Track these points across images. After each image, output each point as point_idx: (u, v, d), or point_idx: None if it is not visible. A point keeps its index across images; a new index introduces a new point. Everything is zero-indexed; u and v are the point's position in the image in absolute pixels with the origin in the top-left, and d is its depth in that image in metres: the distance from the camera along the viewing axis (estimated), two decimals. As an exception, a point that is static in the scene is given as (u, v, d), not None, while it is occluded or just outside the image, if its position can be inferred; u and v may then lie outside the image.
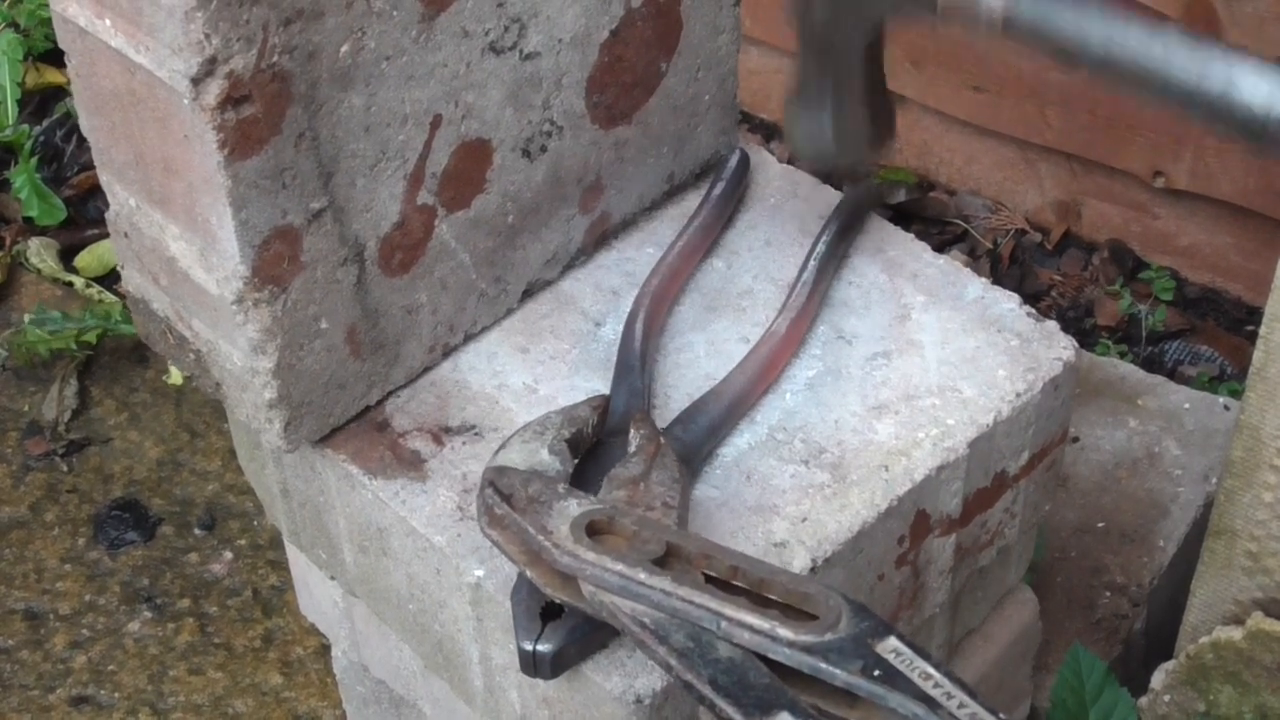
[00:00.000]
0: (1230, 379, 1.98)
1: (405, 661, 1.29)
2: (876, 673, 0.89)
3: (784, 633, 0.91)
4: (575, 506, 0.99)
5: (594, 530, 0.97)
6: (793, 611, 0.93)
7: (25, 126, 2.32)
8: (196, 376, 1.14)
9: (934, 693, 0.88)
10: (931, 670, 0.89)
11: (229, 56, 0.93)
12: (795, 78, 1.16)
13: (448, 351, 1.18)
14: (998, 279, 1.25)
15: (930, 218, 2.18)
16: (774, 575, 0.95)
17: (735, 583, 0.95)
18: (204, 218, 1.01)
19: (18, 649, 1.78)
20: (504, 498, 0.99)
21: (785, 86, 1.18)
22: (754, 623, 0.91)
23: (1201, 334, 2.03)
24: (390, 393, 1.16)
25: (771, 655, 0.91)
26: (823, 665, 0.90)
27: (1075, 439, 1.68)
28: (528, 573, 0.99)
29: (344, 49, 0.99)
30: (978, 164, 2.17)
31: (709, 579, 0.95)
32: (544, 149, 1.16)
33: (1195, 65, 0.94)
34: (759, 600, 0.94)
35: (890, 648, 0.90)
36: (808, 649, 0.90)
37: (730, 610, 0.92)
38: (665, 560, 0.96)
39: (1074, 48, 0.98)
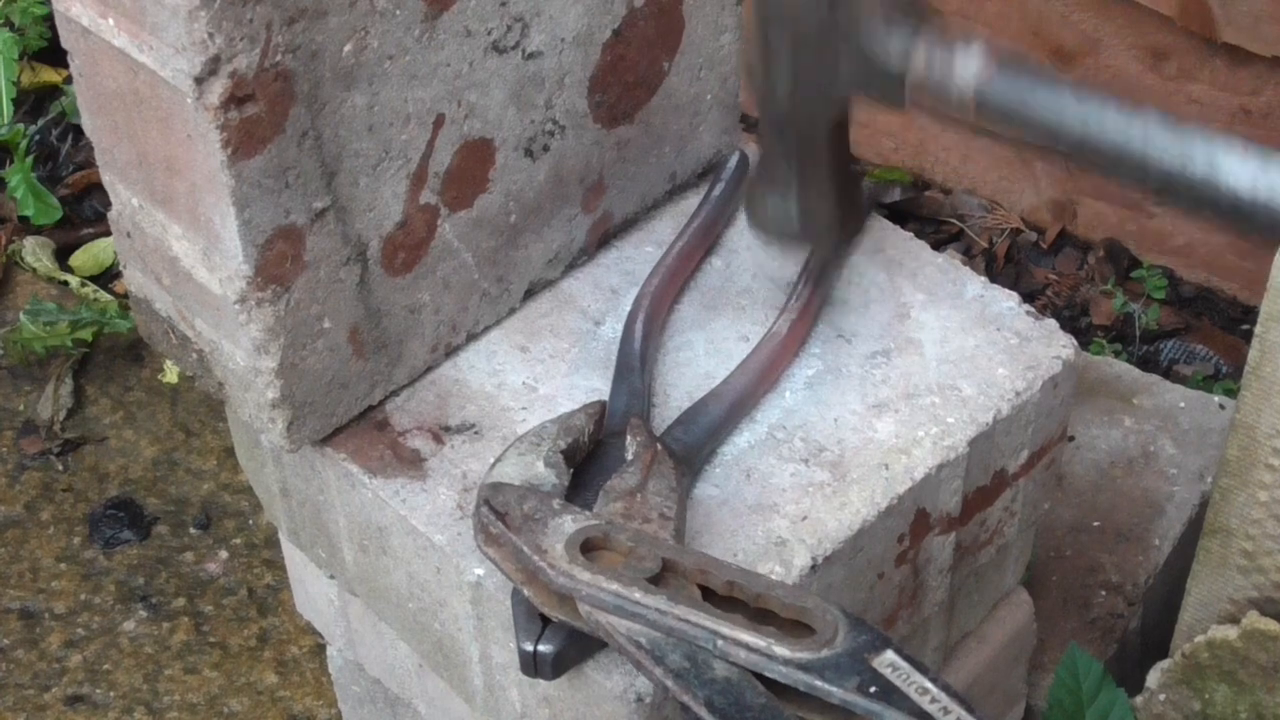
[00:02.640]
0: (1225, 378, 1.98)
1: (401, 660, 1.29)
2: (873, 689, 0.89)
3: (780, 651, 0.91)
4: (570, 523, 0.98)
5: (590, 547, 0.97)
6: (790, 625, 0.93)
7: (20, 125, 2.32)
8: (199, 376, 1.14)
9: (931, 708, 0.88)
10: (929, 685, 0.89)
11: (232, 56, 0.93)
12: (758, 157, 1.13)
13: (450, 351, 1.18)
14: (993, 278, 1.25)
15: (926, 217, 2.18)
16: (771, 589, 0.95)
17: (733, 597, 0.95)
18: (207, 217, 1.01)
19: (13, 648, 1.78)
20: (499, 516, 0.99)
21: (749, 172, 1.15)
22: (750, 641, 0.91)
23: (1197, 333, 2.04)
24: (391, 392, 1.16)
25: (768, 674, 0.91)
26: (819, 683, 0.90)
27: (1071, 438, 1.68)
28: (525, 591, 0.99)
29: (347, 48, 0.99)
30: (973, 163, 2.17)
31: (706, 593, 0.95)
32: (546, 148, 1.16)
33: (1176, 149, 0.91)
34: (756, 614, 0.94)
35: (887, 662, 0.90)
36: (804, 666, 0.90)
37: (726, 629, 0.92)
38: (661, 576, 0.96)
39: (1050, 131, 0.95)
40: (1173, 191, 0.92)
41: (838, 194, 1.13)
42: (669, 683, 0.92)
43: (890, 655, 0.91)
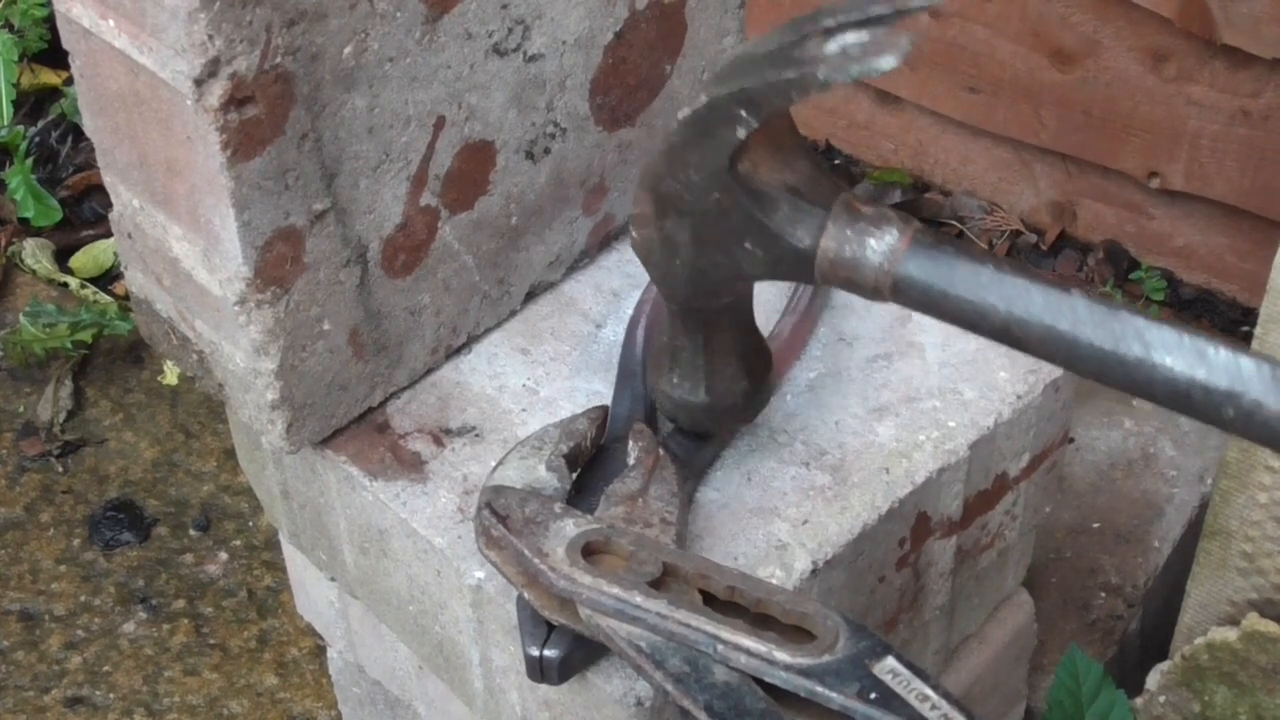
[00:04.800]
0: (1225, 380, 1.97)
1: (401, 662, 1.29)
2: (873, 695, 0.89)
3: (781, 655, 0.91)
4: (572, 527, 0.98)
5: (591, 551, 0.97)
6: (791, 630, 0.93)
7: (20, 127, 2.31)
8: (199, 377, 1.14)
9: (930, 715, 0.88)
10: (929, 691, 0.89)
11: (232, 58, 0.93)
12: (662, 343, 1.08)
13: (450, 353, 1.18)
14: (993, 280, 1.25)
15: (926, 218, 2.18)
16: (772, 595, 0.94)
17: (733, 601, 0.95)
18: (207, 219, 1.01)
19: (13, 650, 1.78)
20: (500, 519, 0.99)
21: (654, 346, 1.10)
22: (751, 645, 0.91)
23: (1196, 335, 2.03)
24: (392, 394, 1.16)
25: (768, 678, 0.91)
26: (819, 689, 0.90)
27: (1071, 440, 1.68)
28: (525, 594, 0.99)
29: (347, 50, 0.99)
30: (973, 164, 2.17)
31: (707, 598, 0.95)
32: (547, 151, 1.16)
33: (1107, 332, 0.85)
34: (757, 619, 0.94)
35: (888, 668, 0.90)
36: (804, 672, 0.90)
37: (727, 633, 0.92)
38: (662, 581, 0.96)
39: (972, 314, 0.88)
40: (1107, 375, 0.86)
41: (748, 374, 1.07)
42: (669, 687, 0.92)
43: (890, 662, 0.90)
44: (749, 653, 0.91)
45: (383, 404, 1.16)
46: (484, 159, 1.12)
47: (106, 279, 2.17)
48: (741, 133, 0.89)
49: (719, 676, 0.91)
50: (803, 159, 0.94)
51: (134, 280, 1.14)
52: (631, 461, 1.06)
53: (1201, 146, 1.93)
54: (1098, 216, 2.10)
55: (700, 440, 1.11)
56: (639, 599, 0.94)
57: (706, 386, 1.06)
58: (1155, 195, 2.03)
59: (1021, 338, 0.87)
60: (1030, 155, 2.11)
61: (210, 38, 0.92)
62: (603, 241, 1.26)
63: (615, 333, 1.20)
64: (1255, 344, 1.27)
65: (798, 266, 0.93)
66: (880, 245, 0.90)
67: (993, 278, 0.87)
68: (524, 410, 1.16)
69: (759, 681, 0.91)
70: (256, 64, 0.94)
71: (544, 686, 1.03)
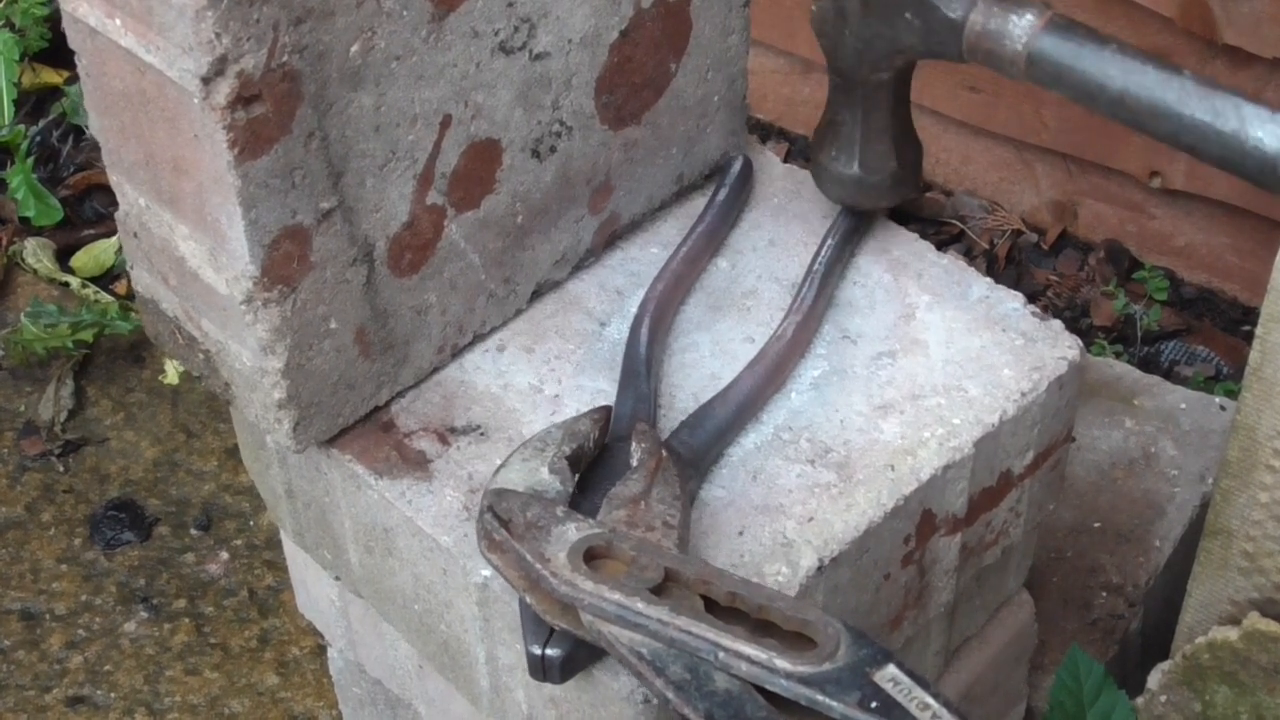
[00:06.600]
0: (1226, 379, 1.98)
1: (401, 661, 1.29)
2: (874, 704, 0.89)
3: (782, 664, 0.91)
4: (574, 532, 0.98)
5: (592, 556, 0.97)
6: (792, 637, 0.93)
7: (21, 127, 2.31)
8: (205, 377, 1.14)
9: None
10: (930, 700, 0.89)
11: (239, 56, 0.93)
12: (825, 117, 1.20)
13: (456, 352, 1.18)
14: (994, 279, 1.25)
15: (926, 218, 2.18)
16: (773, 601, 0.94)
17: (735, 608, 0.95)
18: (213, 217, 1.01)
19: (14, 649, 1.78)
20: (503, 523, 0.99)
21: (817, 131, 1.22)
22: (752, 653, 0.91)
23: (1198, 334, 2.04)
24: (398, 393, 1.16)
25: (769, 687, 0.91)
26: (820, 697, 0.90)
27: (1071, 439, 1.68)
28: (527, 598, 0.99)
29: (354, 49, 0.99)
30: (974, 164, 2.17)
31: (708, 604, 0.95)
32: (553, 149, 1.16)
33: (1208, 108, 0.98)
34: (758, 626, 0.94)
35: (889, 676, 0.90)
36: (805, 680, 0.90)
37: (728, 641, 0.92)
38: (664, 586, 0.96)
39: (1093, 89, 1.02)
40: (1203, 148, 0.99)
41: (898, 155, 1.21)
42: (670, 694, 0.91)
43: (892, 670, 0.90)
44: (750, 660, 0.91)
45: (388, 403, 1.16)
46: (490, 158, 1.12)
47: (107, 278, 2.17)
48: None
49: (720, 684, 0.91)
50: None
51: (140, 279, 1.14)
52: (634, 463, 1.06)
53: (1202, 146, 1.93)
54: (1099, 216, 2.10)
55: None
56: (640, 605, 0.94)
57: (860, 161, 1.20)
58: (1156, 195, 2.03)
59: (1134, 109, 1.01)
60: (1031, 155, 2.11)
61: (217, 36, 0.92)
62: (608, 240, 1.26)
63: (620, 331, 1.21)
64: (1256, 344, 1.27)
65: (948, 38, 1.07)
66: (1021, 22, 1.05)
67: (1114, 56, 1.02)
68: (529, 409, 1.16)
69: (760, 689, 0.91)
70: (264, 62, 0.94)
71: (550, 685, 1.03)
